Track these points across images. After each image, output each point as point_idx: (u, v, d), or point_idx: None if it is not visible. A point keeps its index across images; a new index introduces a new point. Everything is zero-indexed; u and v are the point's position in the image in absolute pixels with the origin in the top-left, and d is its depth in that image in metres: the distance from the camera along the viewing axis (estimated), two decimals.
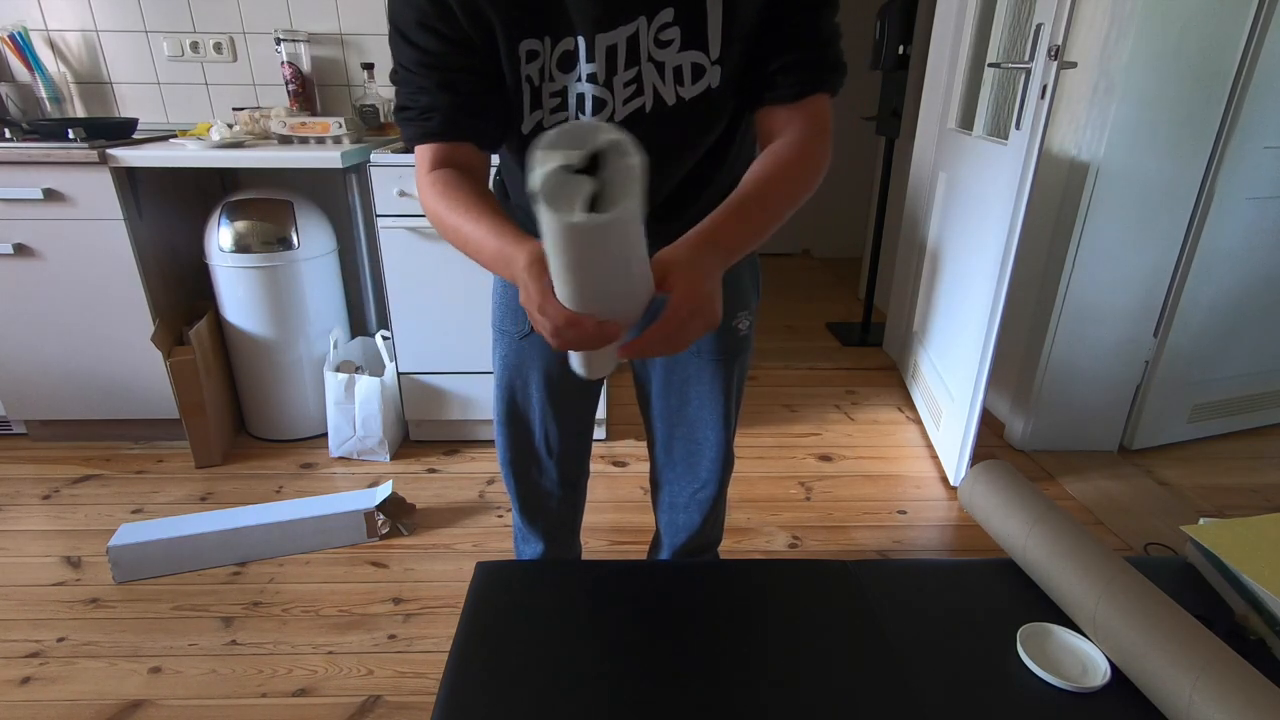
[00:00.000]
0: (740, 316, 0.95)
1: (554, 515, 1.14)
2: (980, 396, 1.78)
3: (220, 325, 1.97)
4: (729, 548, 1.65)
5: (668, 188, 0.82)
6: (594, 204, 0.49)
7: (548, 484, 1.09)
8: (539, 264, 0.57)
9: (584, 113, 0.72)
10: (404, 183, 1.75)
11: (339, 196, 2.13)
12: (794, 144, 0.72)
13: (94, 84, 2.16)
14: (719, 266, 0.62)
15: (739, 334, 0.96)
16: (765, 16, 0.69)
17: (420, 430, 2.08)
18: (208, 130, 1.83)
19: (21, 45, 2.04)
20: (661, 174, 0.80)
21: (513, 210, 0.90)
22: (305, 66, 2.12)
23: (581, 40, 0.68)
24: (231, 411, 2.07)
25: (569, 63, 0.70)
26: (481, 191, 0.71)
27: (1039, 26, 1.57)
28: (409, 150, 0.74)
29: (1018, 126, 1.65)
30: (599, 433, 2.09)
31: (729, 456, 1.04)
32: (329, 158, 1.72)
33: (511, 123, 0.74)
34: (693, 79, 0.70)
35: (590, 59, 0.69)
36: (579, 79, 0.71)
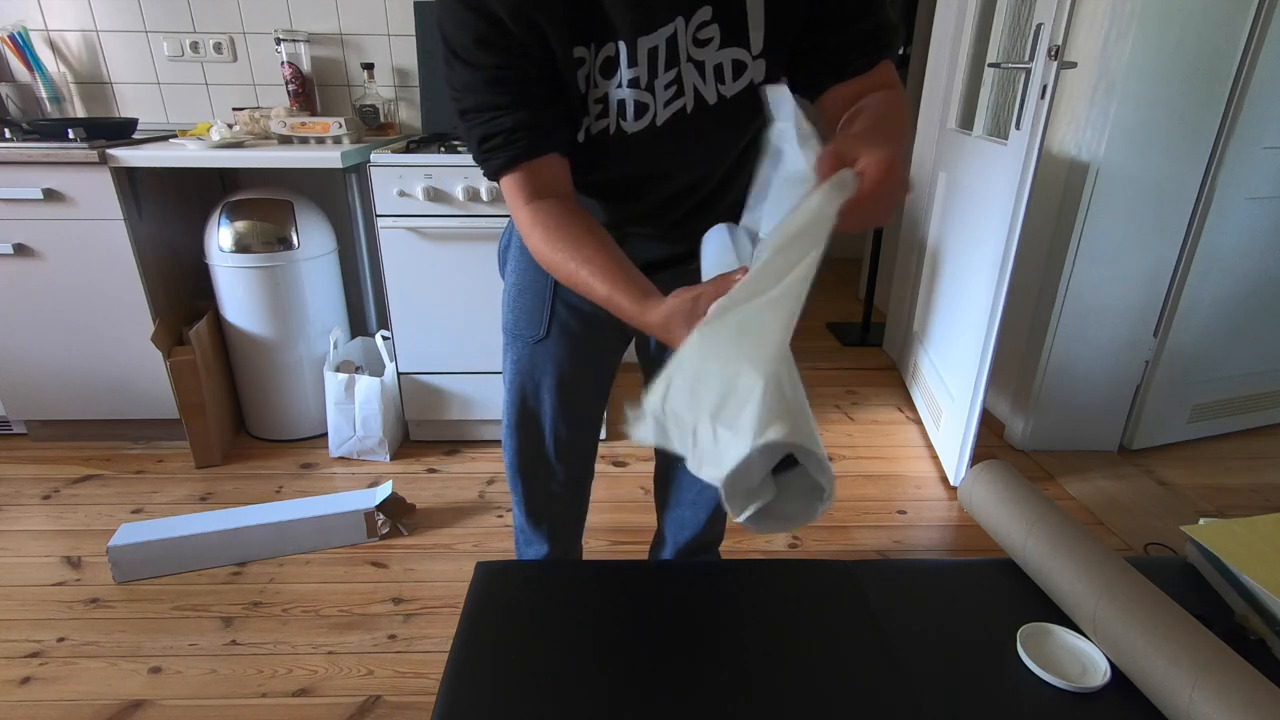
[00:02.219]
0: None
1: (559, 517, 1.14)
2: (980, 396, 1.78)
3: (220, 325, 1.97)
4: (729, 548, 1.65)
5: (706, 189, 0.81)
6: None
7: (555, 487, 1.09)
8: (678, 325, 0.60)
9: (625, 119, 0.71)
10: (404, 183, 1.75)
11: (339, 196, 2.13)
12: (886, 97, 0.71)
13: (94, 84, 2.16)
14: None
15: None
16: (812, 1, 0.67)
17: (420, 430, 2.08)
18: (208, 130, 1.83)
19: (21, 45, 2.03)
20: (703, 173, 0.79)
21: None
22: (305, 66, 2.12)
23: (623, 45, 0.68)
24: (231, 411, 2.07)
25: (610, 69, 0.69)
26: (585, 226, 0.70)
27: (1039, 26, 1.57)
28: (493, 179, 0.72)
29: (1018, 126, 1.65)
30: (600, 433, 2.09)
31: None
32: (329, 158, 1.72)
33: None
34: (734, 76, 0.70)
35: (632, 63, 0.68)
36: (619, 85, 0.70)
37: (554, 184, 0.71)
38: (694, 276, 0.89)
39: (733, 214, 0.88)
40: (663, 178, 0.79)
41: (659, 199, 0.81)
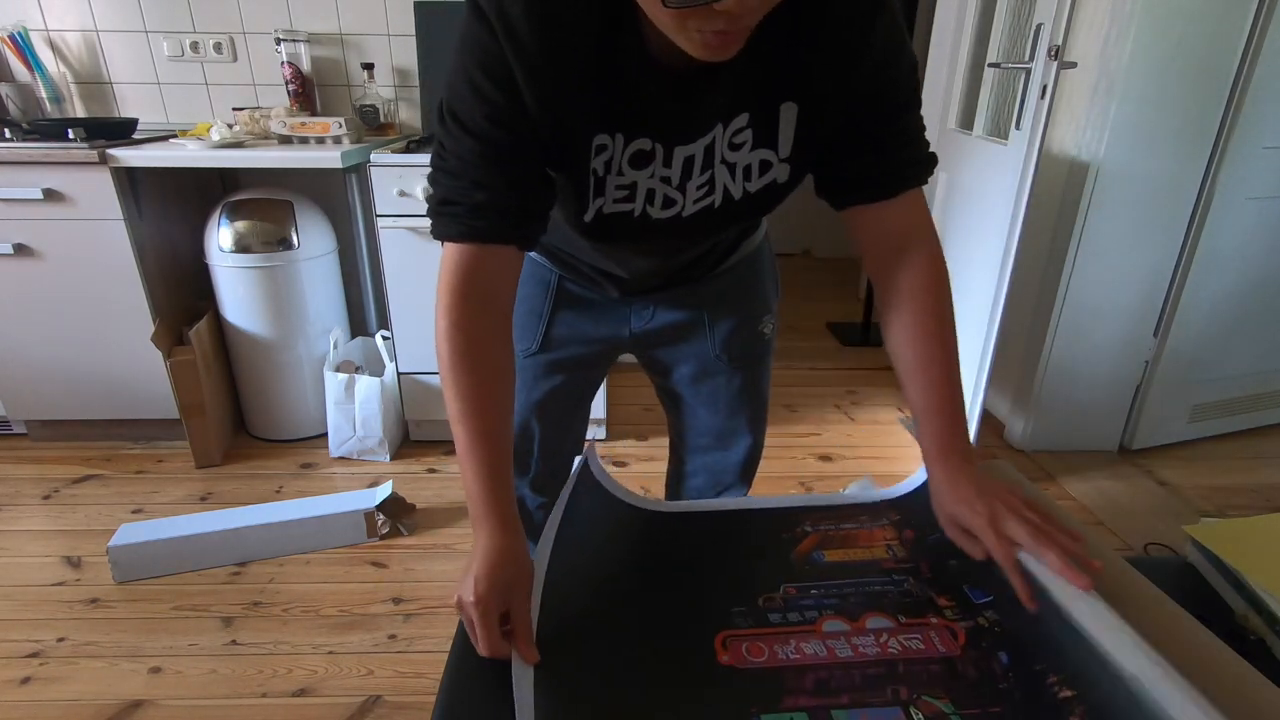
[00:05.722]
0: (765, 320, 0.96)
1: (534, 529, 1.14)
2: (980, 396, 1.78)
3: (220, 325, 1.97)
4: None
5: (703, 250, 0.85)
6: None
7: (540, 481, 1.08)
8: (495, 569, 0.59)
9: (653, 205, 0.71)
10: (404, 183, 1.75)
11: (339, 196, 2.13)
12: (926, 277, 0.70)
13: (94, 84, 2.16)
14: (970, 459, 0.66)
15: (764, 338, 0.97)
16: (850, 119, 0.66)
17: (420, 430, 2.08)
18: (208, 130, 1.83)
19: (21, 45, 2.03)
20: (706, 242, 0.83)
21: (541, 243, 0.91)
22: (305, 66, 2.12)
23: (659, 148, 0.67)
24: (231, 411, 2.07)
25: (643, 161, 0.67)
26: (500, 372, 0.66)
27: (1039, 26, 1.57)
28: (436, 239, 0.67)
29: (1018, 126, 1.65)
30: (600, 433, 2.09)
31: (757, 454, 1.06)
32: (329, 158, 1.72)
33: (570, 209, 0.72)
34: (760, 174, 0.70)
35: (667, 164, 0.68)
36: (651, 175, 0.69)
37: (495, 284, 0.67)
38: (684, 298, 0.92)
39: (724, 258, 0.91)
40: (674, 249, 0.82)
41: (663, 256, 0.84)
